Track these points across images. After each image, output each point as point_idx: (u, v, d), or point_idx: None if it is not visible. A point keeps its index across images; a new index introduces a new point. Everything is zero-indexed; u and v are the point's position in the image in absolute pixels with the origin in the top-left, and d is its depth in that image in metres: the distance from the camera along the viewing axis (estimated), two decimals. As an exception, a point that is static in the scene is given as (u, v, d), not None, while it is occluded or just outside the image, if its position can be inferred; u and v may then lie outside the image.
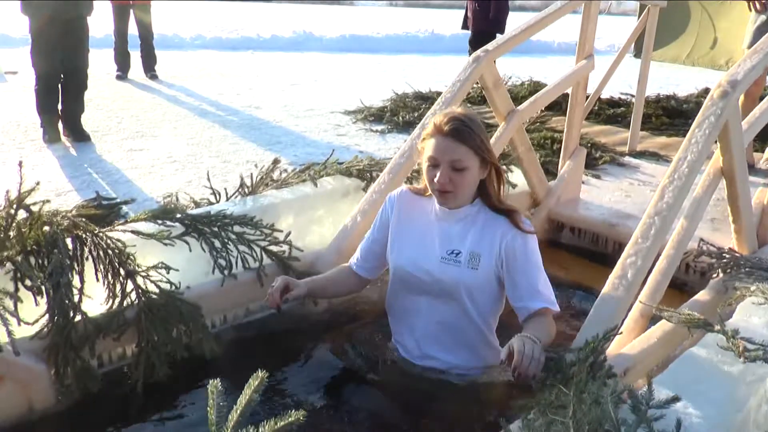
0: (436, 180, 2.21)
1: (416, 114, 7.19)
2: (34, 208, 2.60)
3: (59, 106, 6.12)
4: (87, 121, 6.46)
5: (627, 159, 5.94)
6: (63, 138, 6.17)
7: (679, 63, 14.82)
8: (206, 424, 2.33)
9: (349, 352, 2.71)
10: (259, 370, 1.15)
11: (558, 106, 7.06)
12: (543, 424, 1.81)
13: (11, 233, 2.51)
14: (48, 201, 2.70)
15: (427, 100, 7.97)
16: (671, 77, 11.49)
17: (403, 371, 2.52)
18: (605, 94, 7.53)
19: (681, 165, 2.62)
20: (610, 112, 7.77)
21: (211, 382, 1.12)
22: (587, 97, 5.26)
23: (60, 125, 6.20)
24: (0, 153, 5.68)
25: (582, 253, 4.05)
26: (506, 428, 1.85)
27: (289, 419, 1.11)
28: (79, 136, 6.17)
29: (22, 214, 2.59)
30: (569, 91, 4.32)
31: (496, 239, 2.32)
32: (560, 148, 4.64)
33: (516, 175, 4.14)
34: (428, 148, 2.23)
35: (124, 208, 3.49)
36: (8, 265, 2.39)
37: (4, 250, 2.43)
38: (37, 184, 2.69)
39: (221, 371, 2.57)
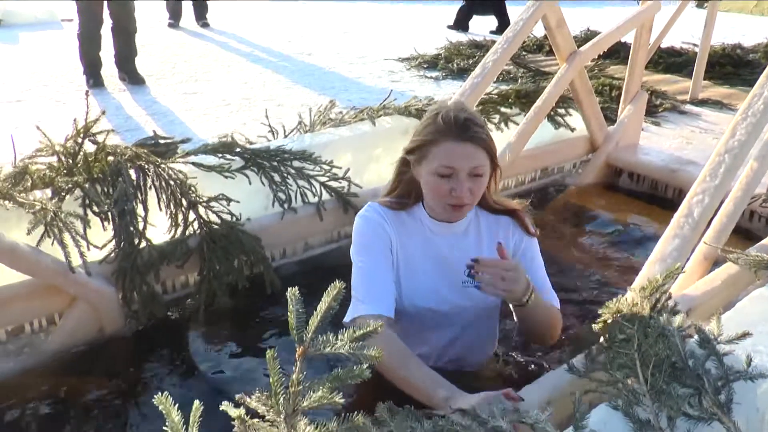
0: (455, 193, 1.77)
1: (471, 61, 7.09)
2: (99, 139, 2.65)
3: (105, 52, 6.18)
4: (141, 66, 6.51)
5: (688, 107, 5.77)
6: (119, 81, 6.24)
7: (745, 13, 14.24)
8: (264, 355, 2.39)
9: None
10: (337, 281, 1.14)
11: (616, 53, 6.87)
12: (607, 358, 1.78)
13: (79, 161, 2.56)
14: (112, 130, 2.74)
15: (481, 48, 7.83)
16: (737, 27, 11.05)
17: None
18: (665, 44, 7.30)
19: (756, 101, 2.51)
20: (671, 61, 7.53)
21: (289, 289, 1.12)
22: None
23: (115, 70, 6.29)
24: (60, 95, 5.79)
25: (640, 197, 3.97)
26: (569, 362, 1.83)
27: (368, 329, 1.11)
28: (135, 78, 6.23)
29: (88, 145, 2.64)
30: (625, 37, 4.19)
31: (507, 243, 1.97)
32: (618, 95, 4.54)
33: (574, 119, 4.06)
34: (438, 155, 1.78)
35: (181, 146, 3.52)
36: (77, 191, 2.45)
37: (73, 176, 2.49)
38: (103, 113, 2.73)
39: (279, 303, 2.67)
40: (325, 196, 2.93)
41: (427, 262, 1.95)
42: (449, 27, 9.80)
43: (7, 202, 2.31)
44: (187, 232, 2.58)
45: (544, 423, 1.28)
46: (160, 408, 0.92)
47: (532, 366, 2.29)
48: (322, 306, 1.09)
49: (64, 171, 2.55)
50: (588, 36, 7.78)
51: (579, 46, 3.79)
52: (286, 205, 2.82)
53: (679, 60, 7.53)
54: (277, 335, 2.51)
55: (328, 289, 1.13)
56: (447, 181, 1.78)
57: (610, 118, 4.54)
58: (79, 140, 2.60)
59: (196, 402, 0.96)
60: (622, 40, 4.90)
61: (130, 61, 6.28)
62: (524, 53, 7.83)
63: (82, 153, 2.58)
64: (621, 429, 1.38)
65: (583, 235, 3.51)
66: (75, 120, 2.64)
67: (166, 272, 2.54)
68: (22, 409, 2.14)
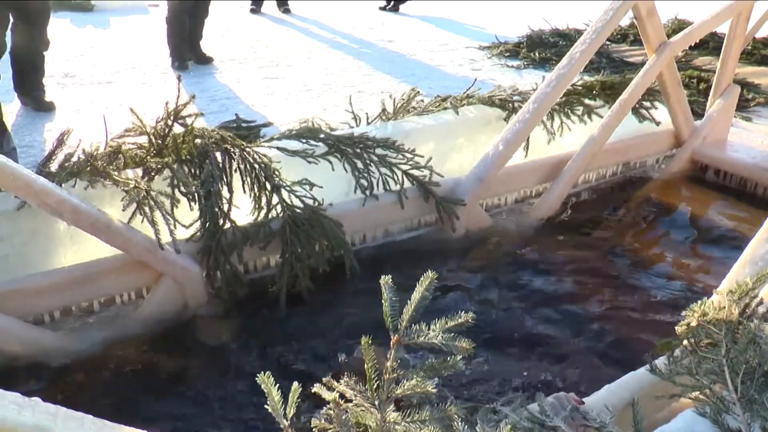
0: None
1: (553, 50, 6.95)
2: (188, 122, 2.72)
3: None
4: (224, 51, 6.65)
5: (783, 102, 5.50)
6: (196, 64, 6.40)
7: None
8: (346, 337, 2.44)
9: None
10: (429, 271, 1.14)
11: (705, 44, 6.60)
12: (692, 362, 1.73)
13: (168, 143, 2.64)
14: (201, 114, 2.80)
15: (564, 36, 7.67)
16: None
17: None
18: (761, 33, 6.96)
19: None
20: (766, 52, 7.19)
21: (383, 277, 1.13)
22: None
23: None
24: (146, 77, 5.95)
25: (728, 195, 3.83)
26: (651, 364, 1.79)
27: (459, 320, 1.11)
28: (201, 58, 6.41)
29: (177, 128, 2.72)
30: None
31: None
32: (706, 87, 4.36)
33: (659, 112, 3.93)
34: None
35: (263, 130, 3.58)
36: (166, 171, 2.53)
37: (163, 157, 2.57)
38: (192, 97, 2.79)
39: (360, 288, 2.70)
40: (407, 184, 2.93)
41: None
42: (381, 9, 9.84)
43: (103, 179, 2.40)
44: (270, 215, 2.62)
45: (610, 425, 1.26)
46: (262, 387, 0.94)
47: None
48: (415, 296, 1.09)
49: (154, 152, 2.63)
50: (676, 25, 7.53)
51: (667, 33, 3.67)
52: (368, 192, 2.84)
53: (775, 52, 7.18)
54: (356, 321, 2.54)
55: (421, 279, 1.13)
56: None
57: (697, 112, 4.38)
58: (169, 122, 2.67)
59: (295, 384, 0.98)
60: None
61: (197, 43, 6.46)
62: (608, 43, 7.62)
63: (171, 135, 2.66)
64: (708, 437, 1.34)
65: (664, 232, 3.42)
66: (166, 103, 2.72)
67: (249, 253, 2.60)
68: (110, 378, 2.24)
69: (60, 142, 2.65)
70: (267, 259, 2.71)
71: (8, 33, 4.28)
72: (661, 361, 1.78)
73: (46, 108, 4.74)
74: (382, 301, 1.09)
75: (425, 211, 2.99)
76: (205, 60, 6.45)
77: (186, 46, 6.31)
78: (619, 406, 1.66)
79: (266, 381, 0.91)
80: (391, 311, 1.08)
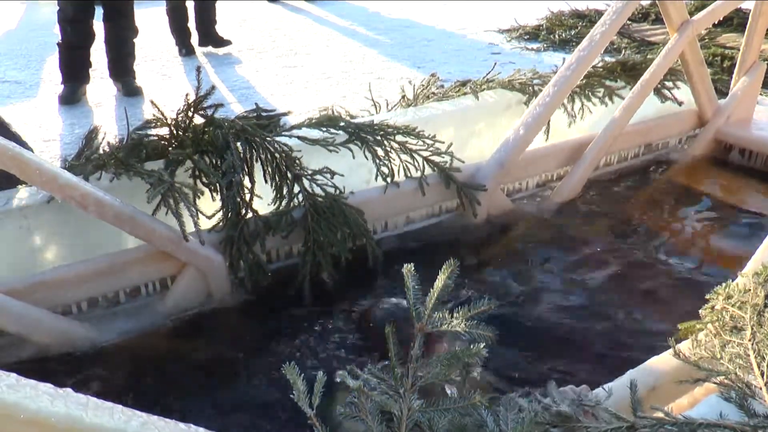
0: None
1: (573, 32, 6.89)
2: (208, 112, 2.74)
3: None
4: (242, 40, 6.68)
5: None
6: (202, 48, 6.46)
7: None
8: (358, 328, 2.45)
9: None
10: (452, 259, 1.15)
11: (728, 21, 6.49)
12: (716, 345, 1.73)
13: (189, 134, 2.66)
14: (221, 105, 2.82)
15: (584, 18, 7.59)
16: None
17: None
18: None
19: None
20: (791, 29, 7.07)
21: (405, 265, 1.14)
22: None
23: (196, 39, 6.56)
24: (165, 69, 5.99)
25: (753, 175, 3.78)
26: (675, 348, 1.78)
27: (482, 307, 1.11)
28: (217, 42, 6.48)
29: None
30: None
31: None
32: (730, 66, 4.29)
33: (681, 92, 3.88)
34: None
35: (283, 119, 3.59)
36: (187, 163, 2.55)
37: (184, 148, 2.59)
38: (213, 88, 2.81)
39: (382, 275, 2.71)
40: (428, 170, 2.93)
41: None
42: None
43: (127, 172, 2.43)
44: (291, 204, 2.64)
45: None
46: (288, 377, 0.96)
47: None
48: (438, 284, 1.10)
49: (175, 143, 2.66)
50: (699, 3, 7.41)
51: (690, 15, 3.62)
52: (389, 179, 2.84)
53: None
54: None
55: (443, 266, 1.13)
56: None
57: (721, 90, 4.32)
58: (190, 114, 2.69)
59: (320, 373, 0.99)
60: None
61: (211, 27, 6.52)
62: (628, 22, 7.52)
63: (191, 126, 2.67)
64: (734, 422, 1.33)
65: (687, 213, 3.38)
66: (186, 95, 2.74)
67: (272, 242, 2.62)
68: (135, 367, 2.28)
69: (89, 140, 2.70)
70: (290, 247, 2.73)
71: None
72: (684, 345, 1.78)
73: (134, 93, 5.13)
74: (405, 289, 1.10)
75: (446, 197, 2.99)
76: (222, 43, 6.53)
77: (188, 33, 6.37)
78: (641, 391, 1.65)
79: (291, 371, 0.93)
80: (414, 299, 1.09)
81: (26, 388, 0.91)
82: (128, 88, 5.09)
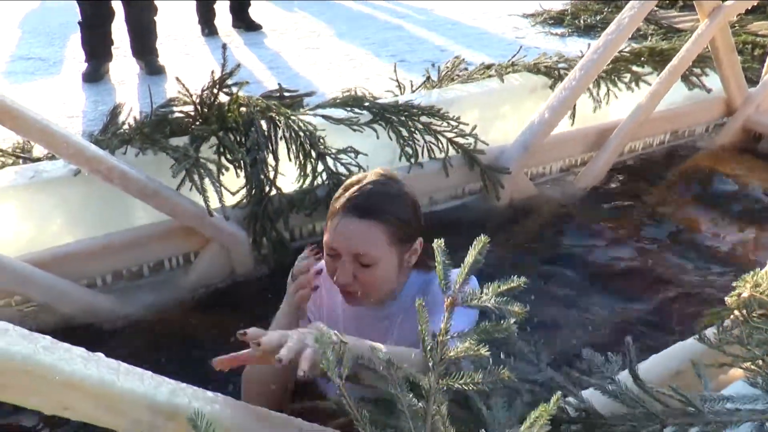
0: (336, 278, 1.54)
1: (599, 17, 6.82)
2: (233, 90, 2.74)
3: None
4: (265, 21, 6.66)
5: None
6: (230, 30, 6.44)
7: None
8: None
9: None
10: (482, 235, 1.14)
11: (761, 8, 6.39)
12: (743, 332, 1.71)
13: (214, 111, 2.67)
14: (247, 82, 2.82)
15: (610, 3, 7.51)
16: None
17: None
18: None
19: None
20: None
21: (435, 240, 1.14)
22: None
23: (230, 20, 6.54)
24: (188, 48, 6.00)
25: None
26: (700, 333, 1.76)
27: (511, 284, 1.11)
28: (250, 25, 6.44)
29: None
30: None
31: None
32: (762, 54, 4.23)
33: (710, 79, 3.84)
34: (329, 230, 1.56)
35: (306, 99, 3.59)
36: (212, 139, 2.56)
37: (209, 125, 2.60)
38: (238, 66, 2.81)
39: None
40: (452, 152, 2.92)
41: None
42: None
43: (153, 146, 2.45)
44: (315, 182, 2.64)
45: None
46: (317, 346, 0.96)
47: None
48: (468, 259, 1.10)
49: (200, 120, 2.66)
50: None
51: (722, 1, 3.57)
52: (412, 160, 2.84)
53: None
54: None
55: (474, 242, 1.13)
56: (333, 261, 1.55)
57: (751, 79, 4.26)
58: (215, 91, 2.70)
59: (347, 344, 1.00)
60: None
61: (245, 10, 6.51)
62: (656, 8, 7.43)
63: (216, 103, 2.68)
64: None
65: (714, 202, 3.35)
66: (212, 72, 2.74)
67: (295, 220, 2.63)
68: (158, 340, 2.30)
69: (113, 116, 2.71)
70: (313, 225, 2.74)
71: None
72: (710, 331, 1.76)
73: (157, 71, 5.11)
74: (435, 263, 1.10)
75: (470, 179, 2.98)
76: (254, 27, 6.52)
77: (213, 13, 6.35)
78: (666, 376, 1.64)
79: (321, 339, 0.93)
80: (445, 274, 1.08)
81: (61, 351, 0.92)
82: (151, 67, 5.09)
